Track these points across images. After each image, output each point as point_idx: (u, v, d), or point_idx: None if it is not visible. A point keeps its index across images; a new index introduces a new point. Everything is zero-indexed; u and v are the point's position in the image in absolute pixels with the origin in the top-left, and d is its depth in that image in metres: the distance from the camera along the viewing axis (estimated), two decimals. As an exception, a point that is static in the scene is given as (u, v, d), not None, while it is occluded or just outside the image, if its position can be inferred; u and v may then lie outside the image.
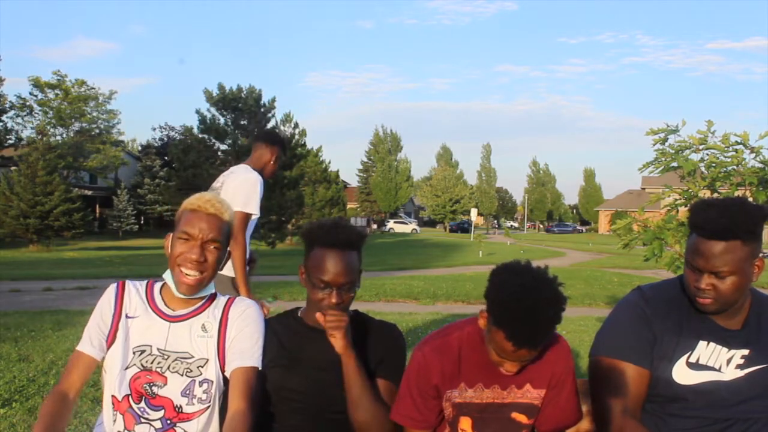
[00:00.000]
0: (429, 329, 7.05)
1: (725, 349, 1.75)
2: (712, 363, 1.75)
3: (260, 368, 1.79)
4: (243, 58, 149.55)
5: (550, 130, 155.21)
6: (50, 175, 24.75)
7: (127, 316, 1.77)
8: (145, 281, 1.87)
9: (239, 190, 3.44)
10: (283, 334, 1.90)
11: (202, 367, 1.75)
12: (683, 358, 1.76)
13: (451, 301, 10.67)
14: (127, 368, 1.72)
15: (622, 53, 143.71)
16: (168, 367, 1.73)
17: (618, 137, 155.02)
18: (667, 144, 4.68)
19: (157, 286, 1.85)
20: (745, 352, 1.75)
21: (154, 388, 1.71)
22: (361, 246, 1.85)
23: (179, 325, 1.77)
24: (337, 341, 1.75)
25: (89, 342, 1.74)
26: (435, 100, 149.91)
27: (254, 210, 3.42)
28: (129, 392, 1.70)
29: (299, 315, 1.94)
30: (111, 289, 1.82)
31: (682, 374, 1.75)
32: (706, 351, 1.75)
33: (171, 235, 1.79)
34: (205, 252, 1.73)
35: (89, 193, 35.67)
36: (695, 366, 1.75)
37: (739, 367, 1.75)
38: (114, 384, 1.71)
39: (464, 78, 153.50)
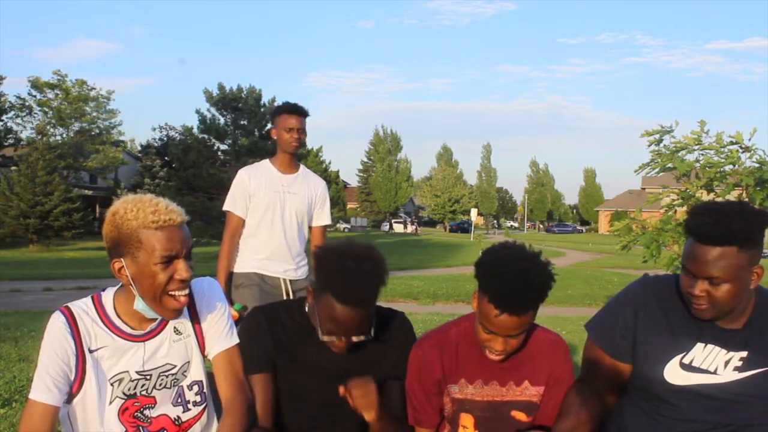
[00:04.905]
0: (429, 329, 7.05)
1: (723, 351, 1.71)
2: (706, 366, 1.71)
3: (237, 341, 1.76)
4: (243, 58, 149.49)
5: (549, 130, 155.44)
6: (50, 175, 24.72)
7: (90, 351, 1.56)
8: (90, 300, 1.62)
9: None
10: (289, 327, 1.83)
11: (186, 371, 1.67)
12: (677, 359, 1.73)
13: (451, 301, 10.67)
14: (110, 403, 1.57)
15: (622, 53, 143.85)
16: (154, 386, 1.62)
17: (618, 137, 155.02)
18: (662, 145, 4.69)
19: (107, 303, 1.61)
20: (744, 354, 1.70)
21: (146, 412, 1.61)
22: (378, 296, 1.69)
23: (153, 341, 1.62)
24: (369, 415, 1.65)
25: (56, 388, 1.50)
26: (435, 100, 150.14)
27: (227, 206, 3.32)
28: (124, 428, 1.58)
29: (306, 311, 1.85)
30: (60, 324, 1.54)
31: (674, 375, 1.73)
32: (702, 353, 1.72)
33: (121, 261, 1.51)
34: (189, 263, 1.55)
35: (89, 193, 35.59)
36: (688, 367, 1.72)
37: (738, 369, 1.69)
38: (95, 426, 1.55)
39: (464, 78, 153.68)
